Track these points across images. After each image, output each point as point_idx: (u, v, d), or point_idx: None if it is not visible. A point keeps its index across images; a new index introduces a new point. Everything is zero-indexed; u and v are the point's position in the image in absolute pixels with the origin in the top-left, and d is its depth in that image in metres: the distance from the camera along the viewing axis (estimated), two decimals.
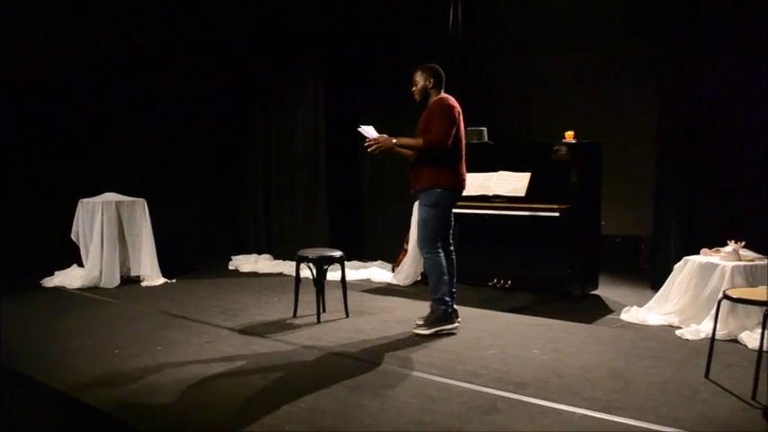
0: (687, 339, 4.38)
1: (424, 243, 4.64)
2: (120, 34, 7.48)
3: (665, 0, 5.97)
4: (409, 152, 4.72)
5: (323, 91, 7.90)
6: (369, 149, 4.62)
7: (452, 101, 4.63)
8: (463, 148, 4.70)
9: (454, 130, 4.54)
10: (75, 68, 7.21)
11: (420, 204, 4.67)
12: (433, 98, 4.68)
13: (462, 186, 4.70)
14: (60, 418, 3.57)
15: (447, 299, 4.61)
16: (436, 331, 4.58)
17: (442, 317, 4.61)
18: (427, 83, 4.71)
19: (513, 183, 5.92)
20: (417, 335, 4.57)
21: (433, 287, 4.61)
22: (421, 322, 4.64)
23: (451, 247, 4.84)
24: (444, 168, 4.57)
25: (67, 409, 3.52)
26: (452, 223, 4.84)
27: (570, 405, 3.24)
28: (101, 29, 7.33)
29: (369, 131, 4.86)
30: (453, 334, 4.60)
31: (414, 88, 4.78)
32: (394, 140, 4.60)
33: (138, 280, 6.73)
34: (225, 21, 8.32)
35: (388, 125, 7.73)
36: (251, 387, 3.54)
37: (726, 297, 3.60)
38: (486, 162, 6.23)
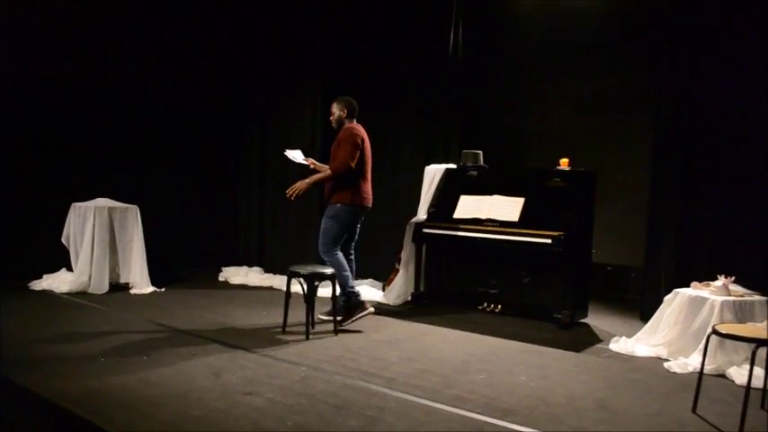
0: (675, 372, 4.38)
1: (323, 248, 5.36)
2: (118, 39, 7.49)
3: (661, 29, 6.04)
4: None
5: (322, 108, 7.89)
6: (288, 196, 5.31)
7: (358, 130, 5.42)
8: (368, 170, 5.48)
9: (358, 154, 5.30)
10: (73, 72, 7.19)
11: (327, 214, 5.39)
12: (345, 127, 5.42)
13: (365, 202, 5.45)
14: (42, 424, 3.53)
15: (355, 289, 5.37)
16: (355, 319, 5.31)
17: (355, 305, 5.33)
18: (342, 113, 5.49)
19: (506, 207, 5.94)
20: (342, 328, 5.22)
21: (342, 283, 5.30)
22: (340, 318, 5.27)
23: (352, 255, 5.66)
24: (347, 188, 5.33)
25: (50, 415, 3.48)
26: (356, 236, 5.63)
27: None
28: (98, 33, 7.34)
29: (296, 156, 5.64)
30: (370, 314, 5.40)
31: (331, 117, 5.54)
32: (307, 181, 5.33)
33: (126, 287, 6.69)
34: (226, 30, 8.36)
35: (386, 146, 7.85)
36: (237, 403, 3.52)
37: (715, 332, 3.61)
38: (481, 186, 6.25)
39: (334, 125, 5.54)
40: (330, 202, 5.38)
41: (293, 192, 5.30)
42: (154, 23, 7.76)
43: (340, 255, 5.38)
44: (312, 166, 5.62)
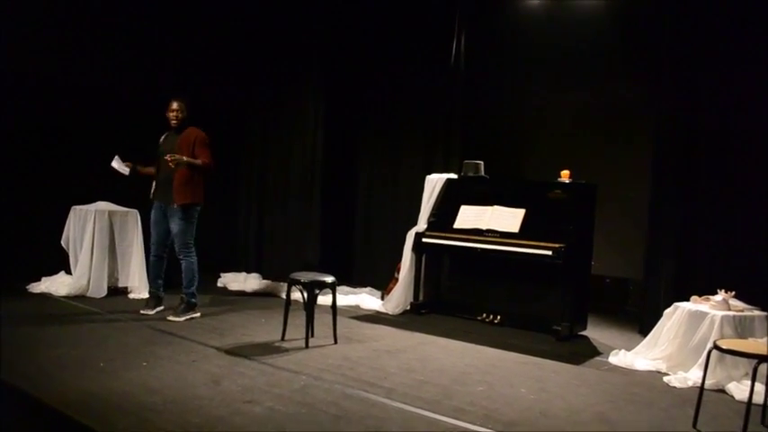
0: (674, 387, 4.38)
1: (185, 249, 5.78)
2: (121, 42, 7.47)
3: (662, 41, 6.07)
4: (152, 171, 5.87)
5: (323, 115, 7.92)
6: (170, 161, 5.50)
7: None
8: None
9: None
10: (74, 74, 7.17)
11: (178, 217, 5.70)
12: (188, 127, 5.77)
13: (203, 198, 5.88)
14: (41, 429, 3.52)
15: (196, 295, 5.80)
16: (187, 319, 5.69)
17: (192, 306, 5.77)
18: (185, 114, 5.79)
19: (507, 218, 5.94)
20: (171, 321, 5.61)
21: (188, 283, 5.77)
22: (173, 313, 5.71)
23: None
24: (199, 186, 5.77)
25: (49, 420, 3.46)
26: None
27: None
28: (102, 35, 7.33)
29: (119, 165, 5.95)
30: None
31: (177, 114, 5.76)
32: (186, 158, 5.57)
33: (125, 291, 6.66)
34: (226, 34, 8.34)
35: (387, 156, 7.86)
36: (237, 411, 3.51)
37: (716, 348, 3.62)
38: (482, 196, 6.26)
39: (174, 123, 5.77)
40: (187, 202, 5.66)
41: (176, 159, 5.51)
42: (153, 27, 7.75)
43: (196, 258, 5.84)
44: (128, 170, 5.95)
